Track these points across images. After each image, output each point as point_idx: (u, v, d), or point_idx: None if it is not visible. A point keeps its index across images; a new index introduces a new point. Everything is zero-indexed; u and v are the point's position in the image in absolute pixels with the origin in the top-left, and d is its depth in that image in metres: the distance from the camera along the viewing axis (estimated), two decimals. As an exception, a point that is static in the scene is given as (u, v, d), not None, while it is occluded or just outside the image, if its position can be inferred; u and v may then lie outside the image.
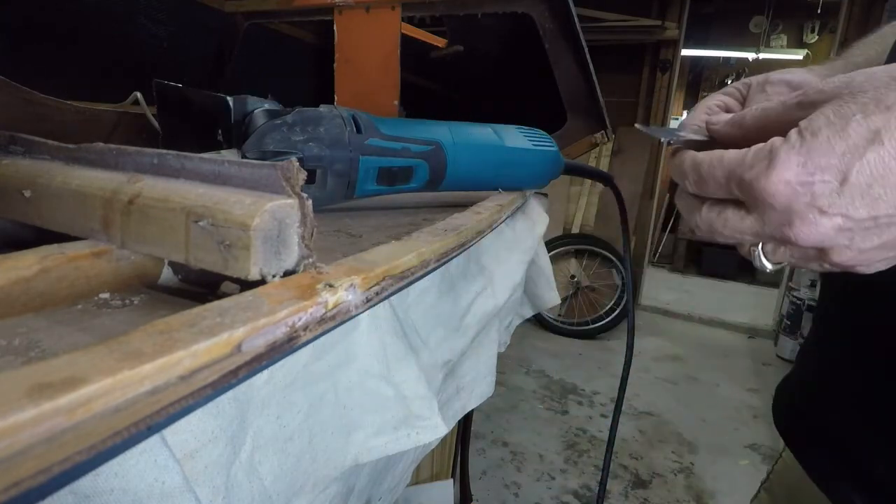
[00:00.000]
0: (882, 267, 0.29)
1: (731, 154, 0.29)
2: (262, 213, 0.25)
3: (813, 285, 2.87)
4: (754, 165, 0.28)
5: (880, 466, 0.39)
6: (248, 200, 0.25)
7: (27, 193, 0.32)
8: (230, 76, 1.17)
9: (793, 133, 0.27)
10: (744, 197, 0.29)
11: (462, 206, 0.52)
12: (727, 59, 5.18)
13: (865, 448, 0.40)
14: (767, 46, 4.83)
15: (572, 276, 3.16)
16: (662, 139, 0.38)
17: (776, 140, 0.27)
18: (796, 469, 0.47)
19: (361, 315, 0.28)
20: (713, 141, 0.36)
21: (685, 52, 3.94)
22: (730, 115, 0.34)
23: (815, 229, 0.26)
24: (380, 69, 0.98)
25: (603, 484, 1.22)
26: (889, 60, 0.43)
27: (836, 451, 0.43)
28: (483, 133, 0.58)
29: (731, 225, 0.30)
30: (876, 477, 0.39)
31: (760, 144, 0.28)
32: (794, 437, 0.49)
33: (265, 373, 0.32)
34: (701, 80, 5.40)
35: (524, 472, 1.89)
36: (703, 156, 0.31)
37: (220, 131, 0.46)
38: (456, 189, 0.56)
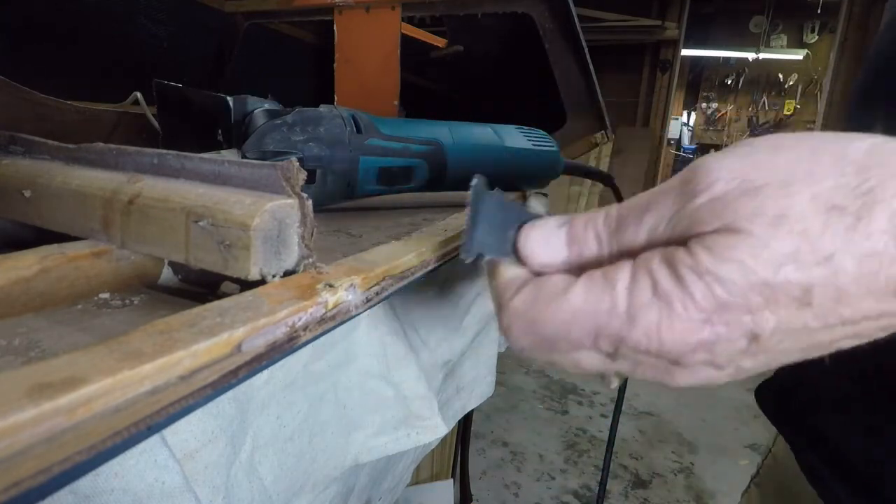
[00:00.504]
0: None
1: (588, 301, 0.21)
2: (262, 213, 0.25)
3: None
4: (637, 318, 0.20)
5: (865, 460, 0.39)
6: (248, 200, 0.25)
7: (27, 193, 0.32)
8: (230, 76, 1.17)
9: (686, 271, 0.20)
10: (617, 352, 0.22)
11: (462, 206, 0.52)
12: (727, 59, 5.19)
13: (843, 443, 0.40)
14: (767, 46, 4.84)
15: (572, 276, 3.16)
16: (465, 252, 0.25)
17: (662, 277, 0.20)
18: (785, 463, 0.47)
19: (361, 315, 0.28)
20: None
21: (685, 52, 3.95)
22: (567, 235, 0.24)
23: (702, 380, 0.22)
24: (380, 69, 0.98)
25: (603, 484, 1.22)
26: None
27: (815, 443, 0.43)
28: (483, 133, 0.58)
29: (584, 366, 0.23)
30: (855, 466, 0.39)
31: (628, 275, 0.21)
32: (784, 430, 0.49)
33: (265, 373, 0.32)
34: (701, 80, 5.41)
35: (524, 472, 1.89)
36: (541, 308, 0.22)
37: (220, 131, 0.46)
38: (456, 189, 0.56)
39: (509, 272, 0.25)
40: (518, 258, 0.25)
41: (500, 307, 0.24)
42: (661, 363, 0.21)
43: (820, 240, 0.18)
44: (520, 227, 0.25)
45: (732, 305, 0.19)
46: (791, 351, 0.21)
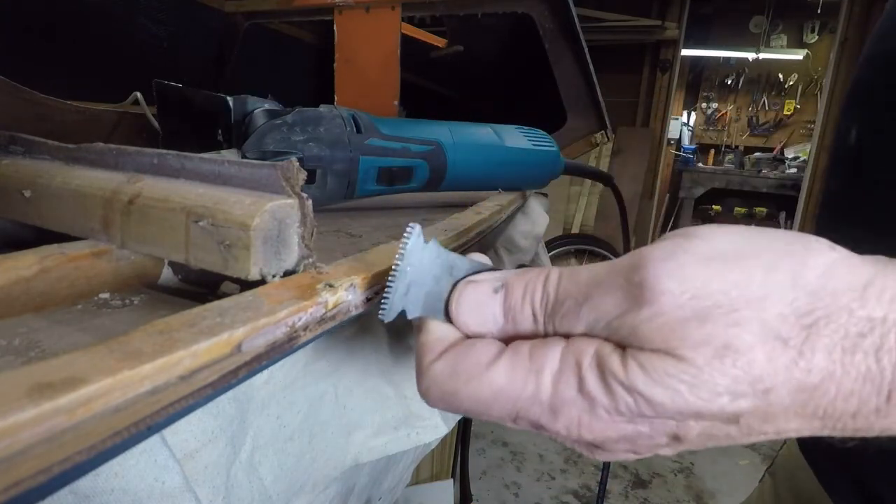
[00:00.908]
0: None
1: (511, 382, 0.21)
2: (262, 213, 0.25)
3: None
4: (558, 412, 0.20)
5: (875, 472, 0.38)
6: (248, 200, 0.25)
7: (27, 193, 0.32)
8: (230, 76, 1.17)
9: (616, 385, 0.19)
10: (538, 431, 0.22)
11: (462, 206, 0.52)
12: (727, 59, 5.19)
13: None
14: (767, 46, 4.84)
15: (572, 276, 3.16)
16: (383, 312, 0.23)
17: (590, 381, 0.20)
18: (798, 455, 0.47)
19: (362, 315, 0.28)
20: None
21: (685, 52, 3.95)
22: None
23: (621, 459, 0.22)
24: (380, 69, 0.98)
25: (603, 484, 1.22)
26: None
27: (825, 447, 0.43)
28: (483, 133, 0.58)
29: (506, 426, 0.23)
30: (869, 477, 0.39)
31: (557, 361, 0.20)
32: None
33: (265, 373, 0.32)
34: (701, 80, 5.40)
35: (524, 472, 1.89)
36: (461, 383, 0.21)
37: (220, 131, 0.46)
38: (456, 189, 0.56)
39: (436, 331, 0.23)
40: (448, 320, 0.23)
41: (419, 369, 0.23)
42: (581, 446, 0.22)
43: (761, 375, 0.18)
44: (453, 287, 0.23)
45: (663, 412, 0.19)
46: (711, 444, 0.21)
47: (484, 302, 0.23)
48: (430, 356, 0.22)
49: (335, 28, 0.99)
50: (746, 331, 0.18)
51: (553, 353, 0.21)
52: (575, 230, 3.24)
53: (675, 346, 0.19)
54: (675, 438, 0.20)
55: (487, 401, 0.21)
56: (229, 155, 0.42)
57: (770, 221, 4.85)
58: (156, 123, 0.69)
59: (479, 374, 0.21)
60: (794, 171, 4.68)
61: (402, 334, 0.46)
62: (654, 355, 0.19)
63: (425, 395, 0.23)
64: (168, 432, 0.25)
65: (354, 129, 0.46)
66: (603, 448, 0.21)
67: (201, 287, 0.30)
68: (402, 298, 0.23)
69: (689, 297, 0.19)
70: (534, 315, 0.22)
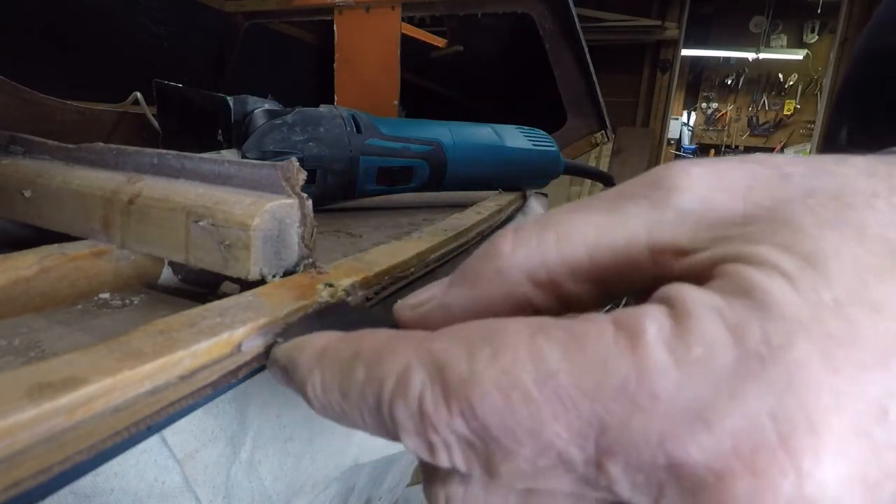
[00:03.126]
0: None
1: (570, 330, 0.11)
2: (262, 213, 0.25)
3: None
4: (696, 331, 0.10)
5: None
6: (249, 200, 0.25)
7: (27, 193, 0.32)
8: (230, 76, 1.17)
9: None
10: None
11: (462, 206, 0.52)
12: (727, 59, 5.19)
13: None
14: (767, 46, 4.84)
15: (572, 276, 3.16)
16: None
17: (753, 331, 0.10)
18: None
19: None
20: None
21: (685, 52, 3.95)
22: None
23: None
24: (380, 69, 0.98)
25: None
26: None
27: None
28: (483, 133, 0.58)
29: None
30: None
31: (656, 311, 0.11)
32: None
33: (265, 372, 0.32)
34: (701, 80, 5.41)
35: (524, 472, 1.89)
36: (486, 354, 0.12)
37: (220, 131, 0.46)
38: (456, 189, 0.56)
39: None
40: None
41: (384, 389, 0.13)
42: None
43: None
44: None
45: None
46: None
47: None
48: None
49: (335, 28, 0.99)
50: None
51: (644, 308, 0.11)
52: (575, 230, 3.23)
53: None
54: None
55: (545, 375, 0.11)
56: (229, 155, 0.42)
57: (770, 221, 4.85)
58: (156, 123, 0.69)
59: (498, 329, 0.12)
60: (794, 171, 4.67)
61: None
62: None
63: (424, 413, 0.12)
64: (168, 432, 0.25)
65: (354, 129, 0.46)
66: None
67: (201, 287, 0.30)
68: None
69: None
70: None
